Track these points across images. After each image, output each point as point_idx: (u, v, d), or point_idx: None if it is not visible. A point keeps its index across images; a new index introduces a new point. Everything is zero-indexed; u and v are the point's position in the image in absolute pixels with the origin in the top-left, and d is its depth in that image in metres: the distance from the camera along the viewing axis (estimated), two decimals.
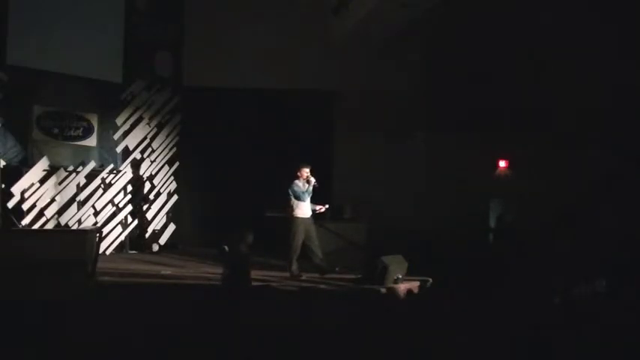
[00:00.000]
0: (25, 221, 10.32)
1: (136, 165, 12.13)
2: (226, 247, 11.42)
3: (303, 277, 9.05)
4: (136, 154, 12.13)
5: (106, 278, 8.50)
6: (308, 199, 9.18)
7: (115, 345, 4.47)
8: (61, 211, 10.80)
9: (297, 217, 9.14)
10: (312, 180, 9.14)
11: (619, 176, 10.20)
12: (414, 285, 8.68)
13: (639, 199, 9.88)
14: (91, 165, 11.25)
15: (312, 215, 9.29)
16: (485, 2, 11.44)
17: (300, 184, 9.16)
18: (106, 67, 11.72)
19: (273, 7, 12.16)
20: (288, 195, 9.20)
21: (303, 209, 9.15)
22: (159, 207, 12.42)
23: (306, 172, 9.17)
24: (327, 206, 9.21)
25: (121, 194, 11.66)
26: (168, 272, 9.44)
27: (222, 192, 12.59)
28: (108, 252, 11.22)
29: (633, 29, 10.30)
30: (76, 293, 6.92)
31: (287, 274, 9.22)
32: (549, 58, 10.99)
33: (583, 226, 9.55)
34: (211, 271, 9.63)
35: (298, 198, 9.13)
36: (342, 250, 10.09)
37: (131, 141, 12.07)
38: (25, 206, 10.36)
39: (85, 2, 11.49)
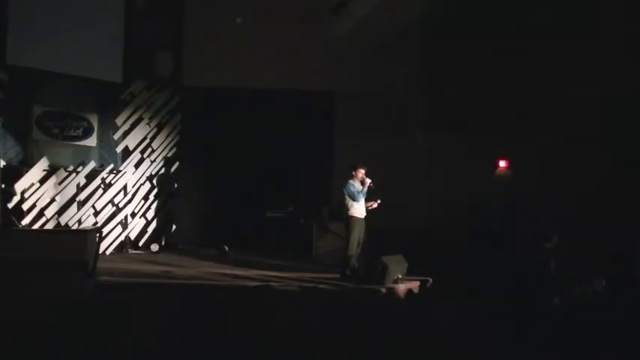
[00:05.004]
0: (25, 221, 10.32)
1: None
2: (226, 247, 11.47)
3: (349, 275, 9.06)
4: (136, 154, 12.13)
5: (106, 278, 8.51)
6: (363, 200, 9.18)
7: (116, 345, 4.47)
8: (61, 211, 10.80)
9: (354, 217, 9.16)
10: (368, 181, 9.14)
11: (619, 176, 10.21)
12: (414, 285, 8.69)
13: (639, 198, 9.88)
14: (91, 165, 11.25)
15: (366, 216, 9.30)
16: (484, 2, 11.46)
17: (355, 185, 9.18)
18: (106, 67, 11.71)
19: (273, 7, 12.16)
20: (344, 195, 9.24)
21: (359, 209, 9.17)
22: (159, 207, 12.42)
23: (361, 172, 9.18)
24: (379, 202, 9.20)
25: (121, 194, 11.66)
26: (173, 272, 9.46)
27: (223, 192, 12.60)
28: (108, 252, 11.22)
29: (633, 29, 10.32)
30: (76, 293, 6.92)
31: (287, 275, 9.25)
32: (549, 58, 10.99)
33: (582, 227, 9.55)
34: (212, 271, 9.66)
35: (353, 198, 9.14)
36: (342, 249, 10.09)
37: (131, 141, 12.07)
38: (25, 206, 10.36)
39: (85, 2, 11.49)
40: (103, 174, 11.38)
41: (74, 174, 11.02)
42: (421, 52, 12.13)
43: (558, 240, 8.05)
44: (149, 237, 12.13)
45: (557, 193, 10.50)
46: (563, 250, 8.13)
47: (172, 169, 12.63)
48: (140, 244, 12.01)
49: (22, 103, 10.71)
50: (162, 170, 12.52)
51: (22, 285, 6.70)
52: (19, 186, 10.30)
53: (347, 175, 9.39)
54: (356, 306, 6.24)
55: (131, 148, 12.08)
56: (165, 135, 12.58)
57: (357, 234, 9.17)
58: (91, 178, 11.19)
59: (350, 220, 9.20)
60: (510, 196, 11.07)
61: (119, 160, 11.91)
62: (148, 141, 12.31)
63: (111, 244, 11.40)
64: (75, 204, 10.99)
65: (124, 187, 11.71)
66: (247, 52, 12.14)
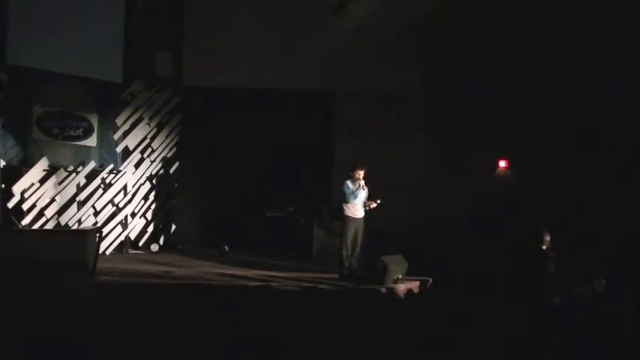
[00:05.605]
0: (25, 221, 10.32)
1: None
2: (226, 247, 11.47)
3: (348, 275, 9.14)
4: (136, 154, 12.13)
5: (106, 278, 8.51)
6: (356, 201, 9.23)
7: (116, 345, 4.47)
8: (61, 211, 10.80)
9: (347, 216, 9.28)
10: (362, 182, 9.19)
11: (619, 176, 10.21)
12: (414, 285, 8.69)
13: (639, 198, 9.88)
14: (91, 165, 11.25)
15: (364, 215, 9.37)
16: (484, 3, 11.46)
17: (350, 185, 9.25)
18: (106, 67, 11.71)
19: (273, 7, 12.16)
20: (340, 195, 9.38)
21: (352, 209, 9.26)
22: (159, 207, 12.42)
23: (358, 173, 9.22)
24: (378, 202, 9.25)
25: (121, 194, 11.66)
26: (173, 272, 9.46)
27: (223, 192, 12.60)
28: (108, 252, 11.22)
29: (633, 29, 10.31)
30: (76, 293, 6.91)
31: (287, 275, 9.27)
32: (549, 58, 10.99)
33: (582, 227, 9.55)
34: (212, 271, 9.65)
35: (344, 198, 9.27)
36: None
37: (131, 141, 12.07)
38: (25, 206, 10.36)
39: (85, 2, 11.49)
40: (103, 174, 11.37)
41: (74, 174, 11.02)
42: (421, 52, 12.13)
43: (552, 240, 8.04)
44: (149, 237, 12.14)
45: (557, 193, 10.49)
46: (559, 250, 8.12)
47: (172, 169, 12.63)
48: (140, 244, 12.01)
49: (22, 103, 10.71)
50: (162, 170, 12.53)
51: (22, 285, 6.70)
52: (19, 186, 10.30)
53: (347, 176, 9.41)
54: (356, 306, 6.23)
55: (131, 148, 12.07)
56: (165, 135, 12.58)
57: (352, 234, 9.23)
58: (91, 178, 11.19)
59: (344, 219, 9.30)
60: (510, 196, 11.06)
61: (119, 160, 11.91)
62: (148, 141, 12.31)
63: (111, 244, 11.40)
64: (75, 204, 10.99)
65: (124, 187, 11.71)
66: (247, 52, 12.14)
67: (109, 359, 4.38)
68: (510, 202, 10.98)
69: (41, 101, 10.92)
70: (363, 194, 9.23)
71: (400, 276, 8.74)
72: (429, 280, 8.94)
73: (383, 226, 10.10)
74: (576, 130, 10.59)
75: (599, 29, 10.53)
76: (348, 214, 9.26)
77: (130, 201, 11.83)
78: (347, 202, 9.24)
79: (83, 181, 11.11)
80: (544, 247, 7.94)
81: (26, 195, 10.38)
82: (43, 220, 10.57)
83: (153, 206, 12.31)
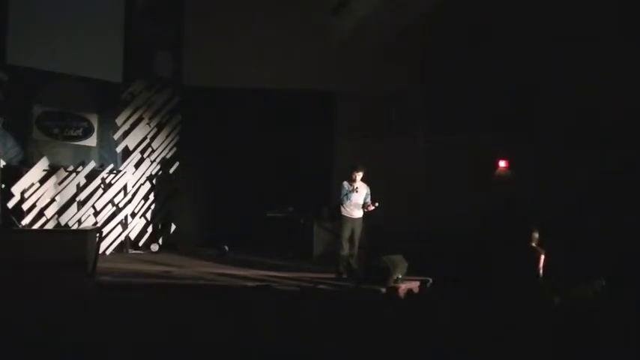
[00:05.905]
0: (25, 221, 10.32)
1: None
2: (226, 247, 11.47)
3: (344, 276, 9.19)
4: (136, 154, 12.13)
5: (106, 278, 8.51)
6: (350, 202, 9.29)
7: (116, 345, 4.47)
8: (61, 211, 10.80)
9: (343, 216, 9.39)
10: (356, 185, 9.26)
11: (619, 176, 10.21)
12: (414, 285, 8.69)
13: (639, 198, 9.88)
14: (91, 165, 11.25)
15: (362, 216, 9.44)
16: (484, 3, 11.46)
17: (346, 186, 9.34)
18: (106, 67, 11.71)
19: (273, 7, 12.16)
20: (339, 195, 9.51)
21: (348, 209, 9.35)
22: (159, 207, 12.42)
23: (355, 175, 9.29)
24: (377, 204, 9.29)
25: (121, 194, 11.66)
26: (173, 272, 9.46)
27: (222, 192, 12.60)
28: (108, 252, 11.22)
29: (633, 29, 10.32)
30: (76, 293, 6.92)
31: (287, 275, 9.29)
32: (549, 58, 10.99)
33: (582, 226, 9.55)
34: (211, 271, 9.65)
35: (340, 198, 9.36)
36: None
37: (131, 141, 12.07)
38: (25, 206, 10.36)
39: (85, 2, 11.49)
40: (103, 174, 11.37)
41: (74, 174, 11.02)
42: (421, 52, 12.13)
43: (540, 237, 8.05)
44: (149, 237, 12.14)
45: (557, 193, 10.50)
46: (556, 249, 8.13)
47: (172, 169, 12.63)
48: (140, 244, 12.02)
49: (22, 103, 10.71)
50: (162, 170, 12.53)
51: (22, 285, 6.70)
52: (19, 186, 10.30)
53: (347, 176, 9.42)
54: (356, 306, 6.24)
55: (131, 148, 12.07)
56: (165, 135, 12.57)
57: (347, 234, 9.30)
58: (91, 178, 11.19)
59: (340, 219, 9.42)
60: (510, 196, 11.06)
61: (119, 160, 11.91)
62: (148, 141, 12.30)
63: (111, 244, 11.40)
64: (75, 204, 10.99)
65: (124, 187, 11.71)
66: (247, 52, 12.14)
67: (109, 359, 4.37)
68: (510, 202, 10.97)
69: (41, 101, 10.92)
70: (357, 196, 9.24)
71: (400, 276, 8.74)
72: (429, 280, 8.94)
73: (383, 226, 10.10)
74: (576, 130, 10.59)
75: (599, 29, 10.53)
76: (344, 214, 9.35)
77: (130, 201, 11.83)
78: (342, 203, 9.31)
79: (83, 181, 11.11)
80: (533, 244, 7.98)
81: (26, 195, 10.38)
82: (43, 220, 10.57)
83: (153, 206, 12.32)
